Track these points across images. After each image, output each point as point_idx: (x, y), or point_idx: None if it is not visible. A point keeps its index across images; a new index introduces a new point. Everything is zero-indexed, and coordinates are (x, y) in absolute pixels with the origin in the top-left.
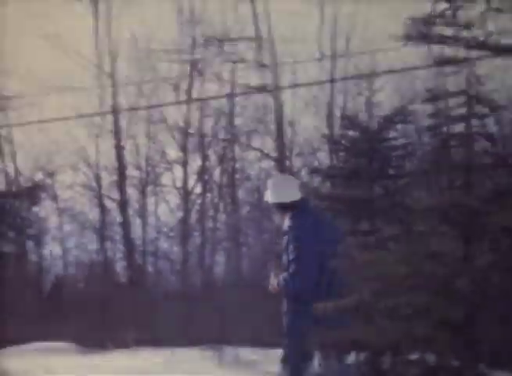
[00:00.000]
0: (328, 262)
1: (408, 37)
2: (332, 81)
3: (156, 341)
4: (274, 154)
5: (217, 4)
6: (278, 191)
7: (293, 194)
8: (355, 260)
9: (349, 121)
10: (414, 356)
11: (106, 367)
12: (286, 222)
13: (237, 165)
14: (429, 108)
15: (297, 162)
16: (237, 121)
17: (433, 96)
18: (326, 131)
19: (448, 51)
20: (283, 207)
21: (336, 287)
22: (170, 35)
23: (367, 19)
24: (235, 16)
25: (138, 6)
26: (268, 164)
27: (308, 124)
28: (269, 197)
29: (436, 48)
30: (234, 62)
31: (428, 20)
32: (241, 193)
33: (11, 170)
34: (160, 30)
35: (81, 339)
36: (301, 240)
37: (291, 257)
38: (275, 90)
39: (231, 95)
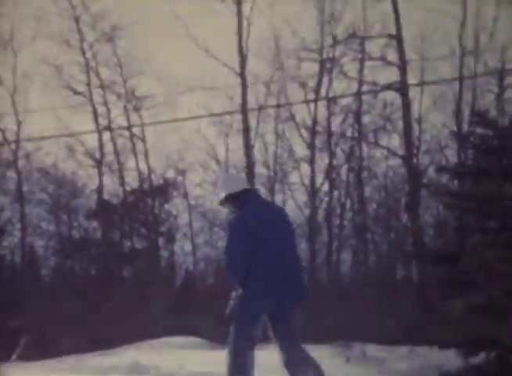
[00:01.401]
0: (274, 246)
1: None
2: (460, 78)
3: None
4: (401, 152)
5: (349, 3)
6: (227, 185)
7: (240, 185)
8: (485, 257)
9: (479, 117)
10: None
11: None
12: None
13: (364, 163)
14: None
15: (424, 160)
16: (365, 119)
17: None
18: (454, 128)
19: None
20: (233, 200)
21: (288, 267)
22: (306, 34)
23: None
24: (364, 14)
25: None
26: (395, 161)
27: (435, 122)
28: (220, 192)
29: None
30: (362, 60)
31: None
32: (368, 191)
33: (144, 168)
34: (296, 29)
35: (211, 334)
36: (232, 226)
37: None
38: (403, 88)
39: (359, 93)
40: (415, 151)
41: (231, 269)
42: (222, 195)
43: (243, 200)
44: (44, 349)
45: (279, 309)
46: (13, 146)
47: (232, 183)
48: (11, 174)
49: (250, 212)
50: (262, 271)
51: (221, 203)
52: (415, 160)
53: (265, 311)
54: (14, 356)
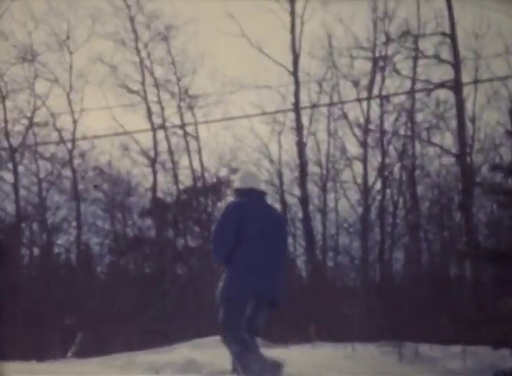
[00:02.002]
0: (264, 242)
1: None
2: None
3: (337, 335)
4: (455, 150)
5: (402, 1)
6: (239, 179)
7: (249, 184)
8: None
9: None
10: None
11: (286, 361)
12: None
13: (417, 161)
14: None
15: (478, 158)
16: (418, 117)
17: None
18: (508, 126)
19: None
20: (239, 195)
21: (276, 260)
22: (358, 32)
23: None
24: (417, 12)
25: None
26: (448, 160)
27: (490, 120)
28: (238, 182)
29: None
30: (415, 58)
31: None
32: (421, 190)
33: (197, 166)
34: (349, 27)
35: (264, 332)
36: (223, 212)
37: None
38: (456, 86)
39: (412, 92)
40: (468, 149)
41: (215, 249)
42: (233, 186)
43: (245, 196)
44: (98, 346)
45: (258, 300)
46: (69, 144)
47: (243, 180)
48: (66, 172)
49: (245, 203)
50: (250, 258)
51: (232, 193)
52: (468, 159)
53: (250, 293)
54: (69, 353)
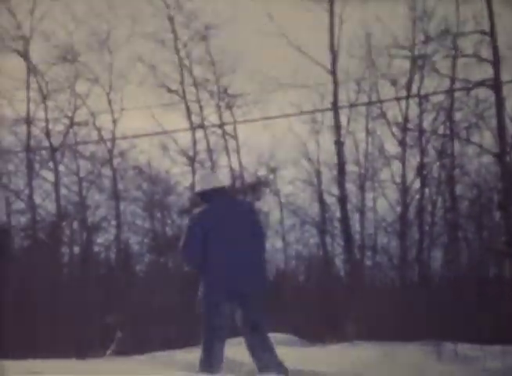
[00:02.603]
0: (235, 238)
1: None
2: None
3: (375, 335)
4: (494, 149)
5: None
6: (199, 183)
7: (208, 184)
8: None
9: None
10: None
11: (324, 360)
12: None
13: (456, 161)
14: None
15: None
16: (457, 116)
17: None
18: None
19: None
20: (202, 197)
21: (249, 260)
22: (397, 31)
23: None
24: (457, 10)
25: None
26: (488, 159)
27: None
28: (197, 187)
29: None
30: (454, 57)
31: None
32: (460, 189)
33: (236, 166)
34: (388, 26)
35: (302, 331)
36: (190, 222)
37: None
38: (496, 85)
39: (451, 90)
40: (508, 148)
41: (186, 262)
42: (196, 191)
43: (209, 198)
44: (138, 345)
45: (242, 297)
46: (109, 144)
47: (203, 182)
48: (106, 172)
49: (211, 208)
50: (223, 262)
51: (196, 198)
52: (508, 158)
53: (226, 298)
54: (109, 351)
